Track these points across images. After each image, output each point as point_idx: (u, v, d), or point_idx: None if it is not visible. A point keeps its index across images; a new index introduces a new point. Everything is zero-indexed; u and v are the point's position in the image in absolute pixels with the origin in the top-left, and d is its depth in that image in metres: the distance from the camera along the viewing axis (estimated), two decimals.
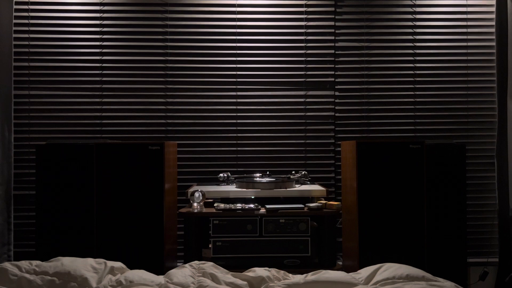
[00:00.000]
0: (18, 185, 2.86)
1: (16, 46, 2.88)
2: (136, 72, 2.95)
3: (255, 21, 2.98)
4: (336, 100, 2.99)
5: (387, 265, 1.73)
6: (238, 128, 2.97)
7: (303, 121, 2.98)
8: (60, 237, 2.28)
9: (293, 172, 2.76)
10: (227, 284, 1.65)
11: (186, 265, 1.81)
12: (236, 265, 2.23)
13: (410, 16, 3.00)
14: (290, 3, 2.99)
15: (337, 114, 2.99)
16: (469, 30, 3.00)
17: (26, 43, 2.92)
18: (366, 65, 2.99)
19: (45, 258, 1.86)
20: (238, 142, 2.96)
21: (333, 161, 2.97)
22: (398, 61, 3.00)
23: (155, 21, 2.96)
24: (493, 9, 2.95)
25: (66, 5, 2.93)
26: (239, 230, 2.33)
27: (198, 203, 2.39)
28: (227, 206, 2.38)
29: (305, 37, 2.99)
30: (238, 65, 2.97)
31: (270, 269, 1.80)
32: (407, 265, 1.74)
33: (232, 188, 2.57)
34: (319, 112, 2.99)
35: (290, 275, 1.79)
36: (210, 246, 2.34)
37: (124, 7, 2.95)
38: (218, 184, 2.70)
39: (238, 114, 2.97)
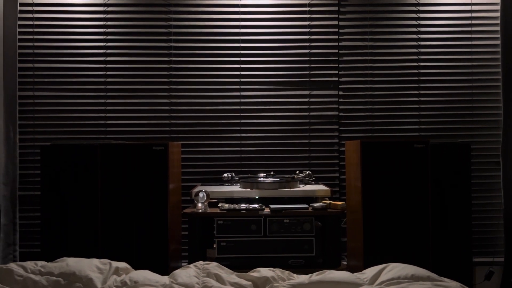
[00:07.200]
0: (23, 186, 2.87)
1: (20, 47, 2.89)
2: (140, 72, 2.96)
3: (259, 21, 2.98)
4: (340, 100, 2.98)
5: (392, 265, 1.73)
6: (242, 128, 2.96)
7: (307, 120, 2.98)
8: (65, 237, 2.29)
9: (297, 172, 2.76)
10: (232, 284, 1.65)
11: (191, 265, 1.81)
12: (240, 265, 2.23)
13: (414, 15, 2.99)
14: (294, 3, 2.98)
15: (341, 114, 2.98)
16: (474, 28, 2.99)
17: (31, 44, 2.93)
18: (370, 65, 2.98)
19: (50, 258, 1.87)
20: (242, 142, 2.96)
21: (337, 161, 2.96)
22: (402, 60, 2.99)
23: (158, 22, 2.96)
24: (498, 7, 2.93)
25: (70, 6, 2.94)
26: (243, 230, 2.33)
27: (202, 203, 2.39)
28: (231, 206, 2.38)
29: (308, 36, 2.98)
30: (242, 65, 2.97)
31: (274, 269, 1.79)
32: (412, 265, 1.73)
33: (236, 188, 2.57)
34: (323, 111, 2.98)
35: (295, 275, 1.79)
36: (214, 246, 2.34)
37: (128, 8, 2.95)
38: (222, 184, 2.70)
39: (242, 114, 2.97)
